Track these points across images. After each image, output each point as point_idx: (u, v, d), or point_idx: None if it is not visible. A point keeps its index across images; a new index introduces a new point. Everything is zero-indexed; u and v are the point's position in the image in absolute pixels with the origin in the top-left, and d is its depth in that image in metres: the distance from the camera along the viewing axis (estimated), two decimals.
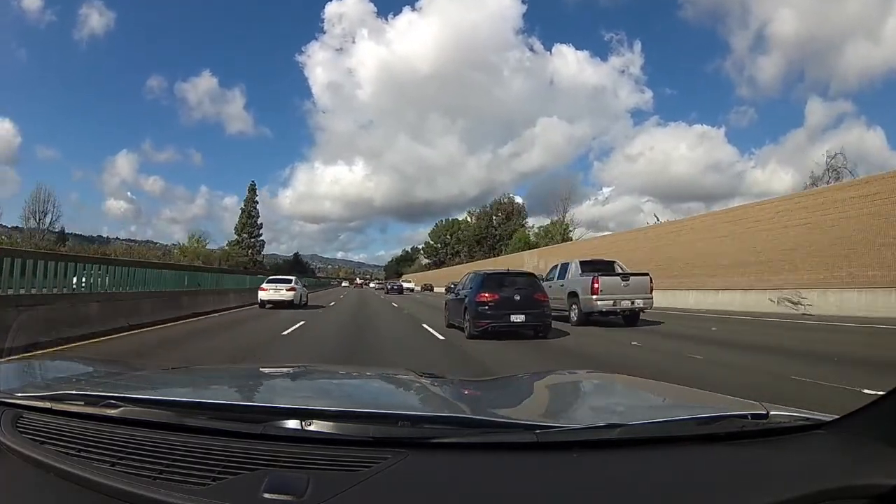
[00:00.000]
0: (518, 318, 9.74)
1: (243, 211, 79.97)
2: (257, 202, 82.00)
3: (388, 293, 42.23)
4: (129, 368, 1.97)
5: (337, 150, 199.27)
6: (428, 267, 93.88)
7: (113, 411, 1.05)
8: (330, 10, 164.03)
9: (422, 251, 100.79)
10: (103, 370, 1.79)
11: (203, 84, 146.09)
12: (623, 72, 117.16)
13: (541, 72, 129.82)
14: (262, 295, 19.48)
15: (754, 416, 1.05)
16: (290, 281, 20.78)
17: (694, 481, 0.86)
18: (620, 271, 13.67)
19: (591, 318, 12.48)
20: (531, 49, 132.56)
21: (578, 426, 0.98)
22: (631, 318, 12.67)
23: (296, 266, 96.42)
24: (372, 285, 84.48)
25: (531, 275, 11.26)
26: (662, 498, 0.82)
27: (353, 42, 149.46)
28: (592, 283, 12.41)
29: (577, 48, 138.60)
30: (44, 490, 0.90)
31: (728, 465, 0.91)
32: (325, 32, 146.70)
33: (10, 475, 0.95)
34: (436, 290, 56.52)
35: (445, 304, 12.98)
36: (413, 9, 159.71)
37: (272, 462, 0.87)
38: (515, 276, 10.99)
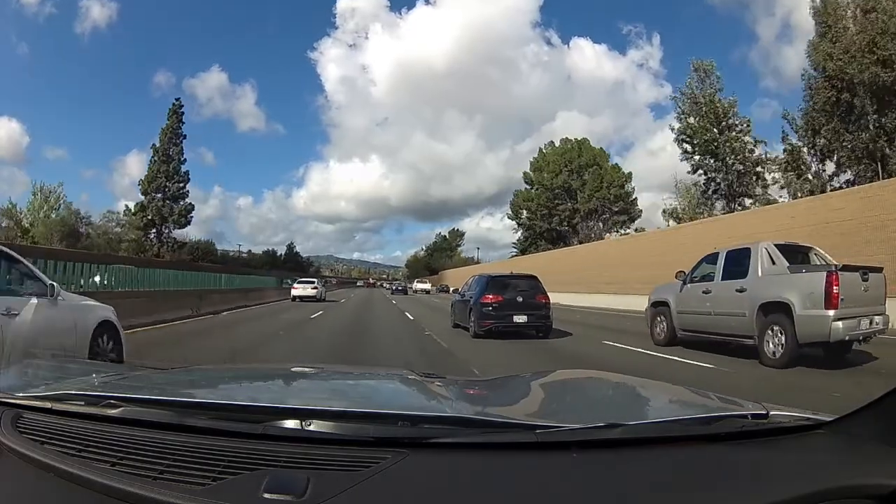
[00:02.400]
0: (521, 319, 10.13)
1: (156, 151, 45.92)
2: (184, 136, 46.91)
3: (392, 294, 44.50)
4: (130, 368, 1.97)
5: (351, 148, 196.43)
6: (522, 248, 50.68)
7: (113, 411, 1.05)
8: (342, 4, 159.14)
9: (510, 212, 52.94)
10: (103, 370, 1.79)
11: (213, 83, 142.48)
12: (642, 65, 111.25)
13: (559, 66, 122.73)
14: (293, 292, 27.74)
15: (754, 416, 1.06)
16: (313, 281, 30.20)
17: (694, 481, 0.86)
18: (821, 263, 7.54)
19: (801, 351, 6.66)
20: (548, 43, 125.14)
21: (578, 426, 0.98)
22: (838, 350, 6.92)
23: (287, 262, 78.82)
24: (385, 286, 78.88)
25: (533, 277, 11.40)
26: (662, 498, 0.82)
27: (367, 38, 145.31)
28: (828, 284, 6.42)
29: (594, 42, 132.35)
30: (44, 490, 0.90)
31: (728, 465, 0.91)
32: (337, 28, 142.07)
33: (10, 475, 0.95)
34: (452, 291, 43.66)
35: (452, 305, 13.21)
36: (427, 2, 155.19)
37: (272, 462, 0.87)
38: (518, 278, 11.37)
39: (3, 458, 0.97)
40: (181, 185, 47.06)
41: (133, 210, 46.89)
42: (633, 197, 47.09)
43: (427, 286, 58.67)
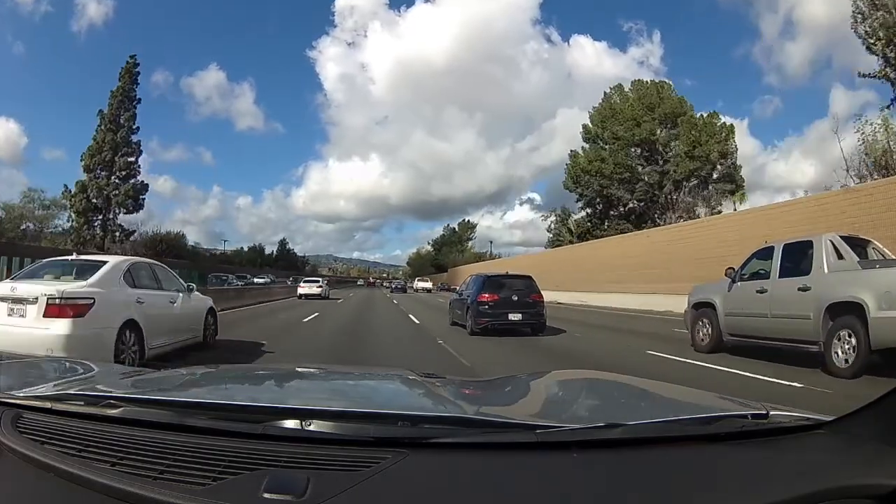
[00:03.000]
0: (515, 317, 10.61)
1: (102, 118, 36.39)
2: (138, 101, 37.54)
3: (392, 292, 45.52)
4: (130, 368, 1.97)
5: (351, 147, 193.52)
6: (581, 232, 37.57)
7: (113, 411, 1.05)
8: (340, 2, 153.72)
9: (567, 181, 38.43)
10: (104, 370, 1.80)
11: (212, 82, 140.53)
12: (642, 63, 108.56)
13: (559, 64, 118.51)
14: (300, 290, 29.76)
15: (754, 416, 1.06)
16: (318, 281, 32.15)
17: (694, 481, 0.86)
18: (882, 257, 6.79)
19: (869, 363, 5.77)
20: (549, 40, 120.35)
21: (578, 426, 0.98)
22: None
23: (279, 259, 72.75)
24: (385, 285, 77.18)
25: (528, 277, 11.84)
26: (662, 498, 0.82)
27: (365, 36, 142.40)
28: None
29: (595, 39, 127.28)
30: (44, 490, 0.90)
31: (728, 465, 0.91)
32: (336, 26, 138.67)
33: (10, 475, 0.95)
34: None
35: (450, 303, 13.96)
36: (426, 0, 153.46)
37: (272, 462, 0.87)
38: (514, 278, 11.83)
39: (3, 458, 0.97)
40: (132, 158, 36.41)
41: (73, 191, 35.82)
42: (734, 159, 32.91)
43: (428, 285, 58.37)
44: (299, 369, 2.07)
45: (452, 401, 1.46)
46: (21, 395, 1.17)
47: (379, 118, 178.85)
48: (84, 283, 5.64)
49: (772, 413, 1.05)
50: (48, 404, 1.11)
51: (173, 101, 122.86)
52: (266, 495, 0.79)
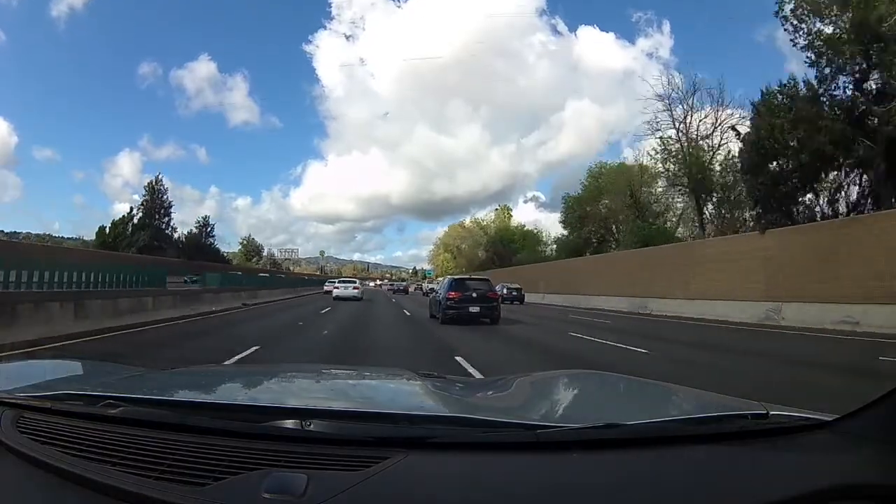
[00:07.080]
0: (475, 310, 13.51)
1: None
2: None
3: (394, 294, 46.99)
4: (130, 368, 1.97)
5: (351, 145, 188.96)
6: None
7: (113, 411, 1.05)
8: None
9: None
10: (103, 370, 1.80)
11: (203, 76, 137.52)
12: (651, 55, 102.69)
13: (566, 55, 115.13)
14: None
15: (754, 416, 1.06)
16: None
17: (694, 481, 0.87)
18: None
19: None
20: (555, 31, 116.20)
21: (578, 426, 0.98)
22: None
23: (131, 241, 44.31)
24: (386, 287, 74.49)
25: (486, 280, 15.59)
26: (662, 498, 0.82)
27: (364, 28, 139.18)
28: None
29: (602, 29, 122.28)
30: (44, 490, 0.90)
31: (728, 465, 0.91)
32: (333, 18, 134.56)
33: (10, 475, 0.95)
34: None
35: (430, 301, 17.65)
36: None
37: (272, 462, 0.87)
38: (475, 280, 15.62)
39: (4, 458, 0.97)
40: None
41: None
42: None
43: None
44: (299, 369, 2.07)
45: (452, 401, 1.46)
46: (21, 395, 1.17)
47: (379, 114, 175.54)
48: (357, 282, 34.23)
49: (772, 413, 1.05)
50: (48, 404, 1.11)
51: (164, 95, 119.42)
52: (266, 495, 0.79)
